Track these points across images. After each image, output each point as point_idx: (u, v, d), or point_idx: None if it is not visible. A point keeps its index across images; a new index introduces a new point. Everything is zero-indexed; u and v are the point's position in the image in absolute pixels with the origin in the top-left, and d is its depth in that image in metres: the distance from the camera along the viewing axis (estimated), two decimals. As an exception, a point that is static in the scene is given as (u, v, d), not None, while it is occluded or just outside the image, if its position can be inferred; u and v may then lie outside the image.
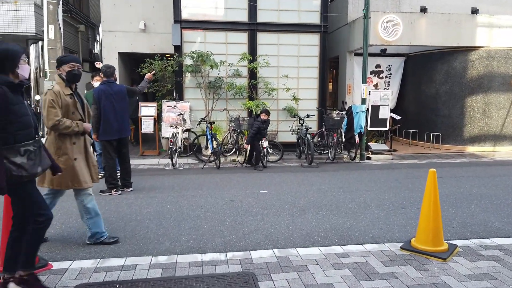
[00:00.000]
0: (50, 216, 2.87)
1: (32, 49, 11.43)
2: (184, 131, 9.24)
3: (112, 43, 11.49)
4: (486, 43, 10.29)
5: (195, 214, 4.90)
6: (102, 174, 6.28)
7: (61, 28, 9.22)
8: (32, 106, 10.71)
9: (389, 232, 4.26)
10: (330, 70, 13.10)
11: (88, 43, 16.65)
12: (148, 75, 6.70)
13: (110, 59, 11.24)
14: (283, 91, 10.24)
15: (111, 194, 5.84)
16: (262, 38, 10.24)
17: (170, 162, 8.33)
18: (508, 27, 10.26)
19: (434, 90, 11.20)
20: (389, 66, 11.94)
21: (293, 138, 10.01)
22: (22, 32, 11.54)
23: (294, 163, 9.17)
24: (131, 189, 6.13)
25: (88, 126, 3.75)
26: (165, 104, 9.73)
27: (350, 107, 9.50)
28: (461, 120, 10.81)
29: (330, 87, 13.28)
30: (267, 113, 8.51)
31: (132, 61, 13.15)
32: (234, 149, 9.32)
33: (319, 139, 10.43)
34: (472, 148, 10.73)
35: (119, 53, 11.61)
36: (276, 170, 8.27)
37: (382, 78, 11.97)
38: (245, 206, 5.29)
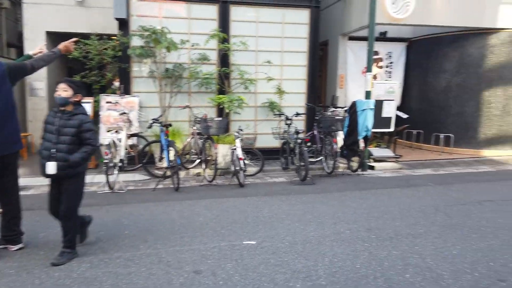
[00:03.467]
0: None
1: None
2: (129, 136, 6.71)
3: (38, 19, 8.68)
4: (510, 24, 8.40)
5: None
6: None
7: None
8: None
9: None
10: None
11: (16, 24, 13.54)
12: (63, 44, 3.99)
13: (35, 40, 8.45)
14: (263, 82, 7.89)
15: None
16: (237, 12, 7.83)
17: (106, 183, 5.79)
18: (536, 5, 8.43)
19: (445, 82, 9.22)
20: (389, 53, 9.86)
21: (276, 143, 7.73)
22: None
23: (279, 178, 6.90)
24: (21, 245, 3.60)
25: None
26: (104, 99, 7.13)
27: (354, 103, 7.28)
28: (476, 119, 8.90)
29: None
30: None
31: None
32: (199, 160, 6.88)
33: (309, 144, 8.21)
34: (488, 152, 8.87)
35: (47, 33, 8.82)
36: (258, 190, 5.95)
37: (381, 67, 9.87)
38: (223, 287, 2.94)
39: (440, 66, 9.27)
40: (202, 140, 6.79)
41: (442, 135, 9.08)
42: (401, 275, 3.08)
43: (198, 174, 6.89)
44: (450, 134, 9.01)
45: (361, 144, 7.18)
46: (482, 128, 8.91)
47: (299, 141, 6.84)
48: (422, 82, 9.76)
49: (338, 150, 7.36)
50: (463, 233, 4.00)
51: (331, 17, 9.55)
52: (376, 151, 8.28)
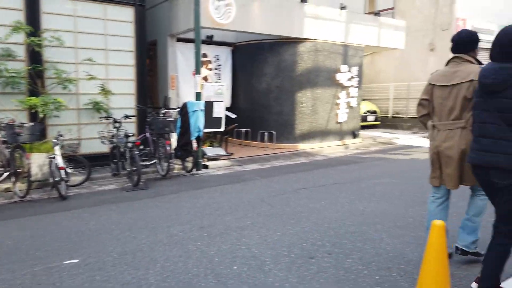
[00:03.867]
0: None
1: None
2: None
3: None
4: (314, 35, 9.84)
5: None
6: None
7: None
8: None
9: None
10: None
11: None
12: None
13: None
14: (86, 82, 7.22)
15: None
16: (50, 5, 6.93)
17: None
18: (331, 20, 10.09)
19: (266, 85, 10.21)
20: (216, 56, 10.31)
21: (105, 148, 7.19)
22: None
23: (110, 185, 6.46)
24: None
25: None
26: None
27: (185, 104, 7.33)
28: (292, 117, 10.15)
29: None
30: None
31: None
32: (7, 173, 5.83)
33: (141, 147, 7.92)
34: (303, 146, 10.23)
35: None
36: (84, 201, 5.43)
37: (211, 69, 10.24)
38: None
39: (262, 70, 10.20)
40: (9, 150, 5.77)
41: (266, 133, 10.02)
42: (229, 268, 3.24)
43: (6, 190, 5.85)
44: (272, 131, 10.02)
45: (194, 144, 7.31)
46: (297, 125, 10.19)
47: (129, 144, 6.53)
48: (247, 84, 10.58)
49: (172, 151, 7.33)
50: (283, 220, 4.47)
51: (158, 17, 9.41)
52: (209, 150, 8.58)
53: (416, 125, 14.78)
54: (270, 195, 5.63)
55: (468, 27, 14.17)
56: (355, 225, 4.26)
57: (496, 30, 15.37)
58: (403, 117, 15.43)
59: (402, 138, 12.70)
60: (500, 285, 2.46)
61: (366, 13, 12.62)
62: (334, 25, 10.17)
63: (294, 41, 9.80)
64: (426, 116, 3.32)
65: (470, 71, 2.98)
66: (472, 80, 2.92)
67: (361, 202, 5.18)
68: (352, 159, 9.06)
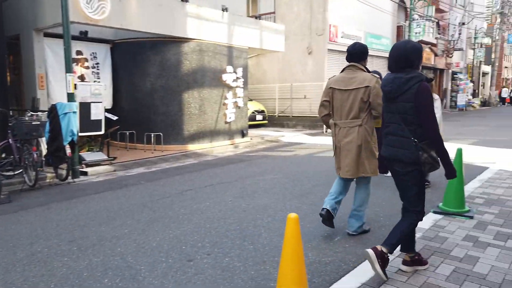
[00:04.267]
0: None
1: None
2: None
3: None
4: (197, 35, 9.79)
5: None
6: None
7: None
8: None
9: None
10: (7, 54, 9.26)
11: None
12: None
13: None
14: None
15: None
16: None
17: None
18: (214, 21, 10.16)
19: (150, 84, 9.83)
20: (93, 53, 9.55)
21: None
22: None
23: (-38, 202, 5.51)
24: None
25: None
26: None
27: (54, 106, 6.60)
28: (180, 117, 9.97)
29: (9, 78, 9.43)
30: None
31: None
32: None
33: (3, 155, 6.97)
34: (192, 146, 10.13)
35: None
36: None
37: (88, 68, 9.44)
38: None
39: (145, 69, 9.80)
40: None
41: (153, 134, 9.65)
42: (99, 281, 3.00)
43: None
44: (160, 133, 9.70)
45: (68, 150, 6.66)
46: (185, 126, 10.05)
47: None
48: (130, 83, 10.06)
49: (42, 158, 6.61)
50: (164, 224, 4.33)
51: (20, 9, 8.35)
52: (88, 156, 7.93)
53: (299, 123, 15.82)
54: (153, 200, 5.42)
55: (340, 33, 15.68)
56: (236, 223, 4.34)
57: (363, 36, 17.33)
58: (288, 116, 16.36)
59: (287, 136, 13.45)
60: (389, 254, 2.85)
61: (249, 16, 13.04)
62: (218, 26, 10.27)
63: (178, 41, 9.63)
64: (327, 115, 3.80)
65: (364, 78, 3.54)
66: (367, 86, 3.50)
67: (244, 199, 5.30)
68: (240, 157, 9.28)
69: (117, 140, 10.06)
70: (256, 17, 12.03)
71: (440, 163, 2.79)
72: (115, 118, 8.71)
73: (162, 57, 9.69)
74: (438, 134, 2.71)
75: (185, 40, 9.67)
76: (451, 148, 3.42)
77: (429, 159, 2.72)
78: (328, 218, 3.75)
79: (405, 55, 2.75)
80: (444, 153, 2.74)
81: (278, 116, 16.63)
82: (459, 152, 4.35)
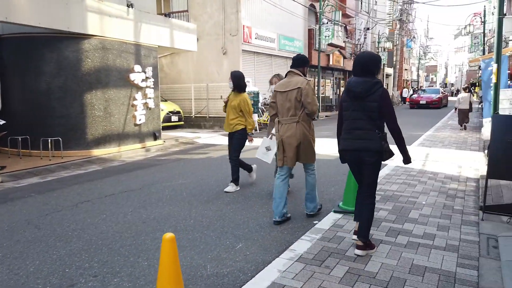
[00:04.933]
0: None
1: None
2: None
3: None
4: (99, 32, 9.08)
5: None
6: None
7: None
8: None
9: None
10: None
11: None
12: None
13: None
14: None
15: None
16: None
17: None
18: (118, 17, 9.52)
19: (45, 84, 8.87)
20: (-27, 49, 8.35)
21: None
22: None
23: None
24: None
25: None
26: None
27: None
28: (82, 120, 9.16)
29: None
30: None
31: None
32: None
33: None
34: (98, 152, 9.38)
35: None
36: None
37: (-35, 65, 8.21)
38: None
39: (39, 67, 8.83)
40: None
41: (50, 139, 8.73)
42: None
43: None
44: (59, 138, 8.80)
45: None
46: (89, 129, 9.27)
47: None
48: (21, 83, 8.99)
49: None
50: (47, 244, 3.83)
51: None
52: (-33, 167, 6.89)
53: (216, 124, 15.64)
54: (41, 215, 4.82)
55: (253, 34, 15.82)
56: (133, 237, 4.01)
57: (276, 38, 17.71)
58: (205, 117, 16.10)
59: (203, 137, 13.19)
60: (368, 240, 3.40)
61: (159, 14, 12.51)
62: (123, 23, 9.64)
63: (77, 37, 8.83)
64: (275, 115, 4.37)
65: (298, 81, 4.17)
66: (299, 87, 4.11)
67: (145, 209, 4.96)
68: (151, 162, 8.82)
69: (8, 146, 8.92)
70: (166, 15, 11.57)
71: (394, 152, 3.35)
72: (2, 122, 7.70)
73: (59, 55, 8.81)
74: (398, 126, 3.25)
75: (85, 36, 8.91)
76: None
77: (388, 148, 3.27)
78: (283, 222, 4.31)
79: (371, 63, 3.28)
80: (403, 141, 3.30)
81: (195, 117, 16.29)
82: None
